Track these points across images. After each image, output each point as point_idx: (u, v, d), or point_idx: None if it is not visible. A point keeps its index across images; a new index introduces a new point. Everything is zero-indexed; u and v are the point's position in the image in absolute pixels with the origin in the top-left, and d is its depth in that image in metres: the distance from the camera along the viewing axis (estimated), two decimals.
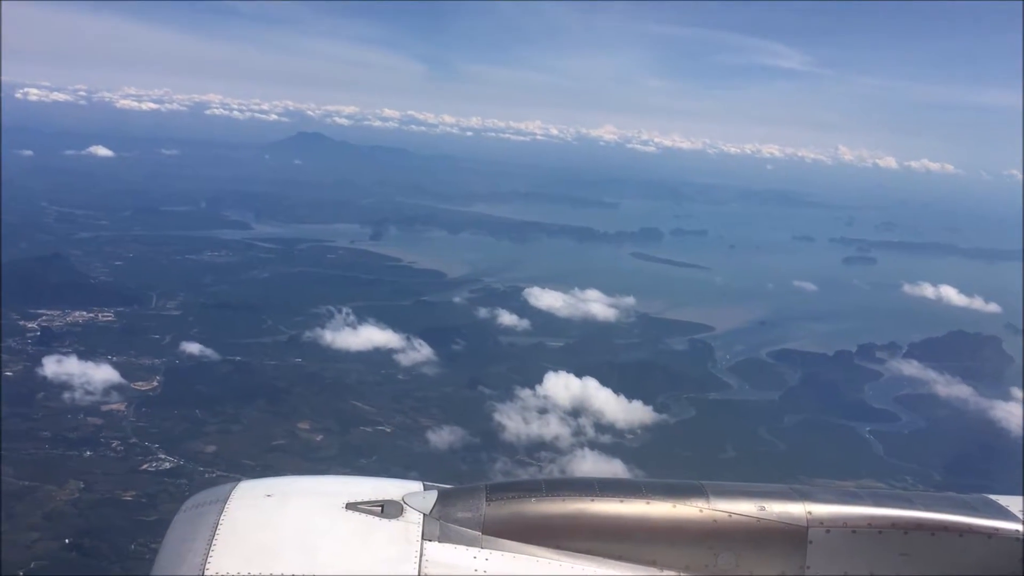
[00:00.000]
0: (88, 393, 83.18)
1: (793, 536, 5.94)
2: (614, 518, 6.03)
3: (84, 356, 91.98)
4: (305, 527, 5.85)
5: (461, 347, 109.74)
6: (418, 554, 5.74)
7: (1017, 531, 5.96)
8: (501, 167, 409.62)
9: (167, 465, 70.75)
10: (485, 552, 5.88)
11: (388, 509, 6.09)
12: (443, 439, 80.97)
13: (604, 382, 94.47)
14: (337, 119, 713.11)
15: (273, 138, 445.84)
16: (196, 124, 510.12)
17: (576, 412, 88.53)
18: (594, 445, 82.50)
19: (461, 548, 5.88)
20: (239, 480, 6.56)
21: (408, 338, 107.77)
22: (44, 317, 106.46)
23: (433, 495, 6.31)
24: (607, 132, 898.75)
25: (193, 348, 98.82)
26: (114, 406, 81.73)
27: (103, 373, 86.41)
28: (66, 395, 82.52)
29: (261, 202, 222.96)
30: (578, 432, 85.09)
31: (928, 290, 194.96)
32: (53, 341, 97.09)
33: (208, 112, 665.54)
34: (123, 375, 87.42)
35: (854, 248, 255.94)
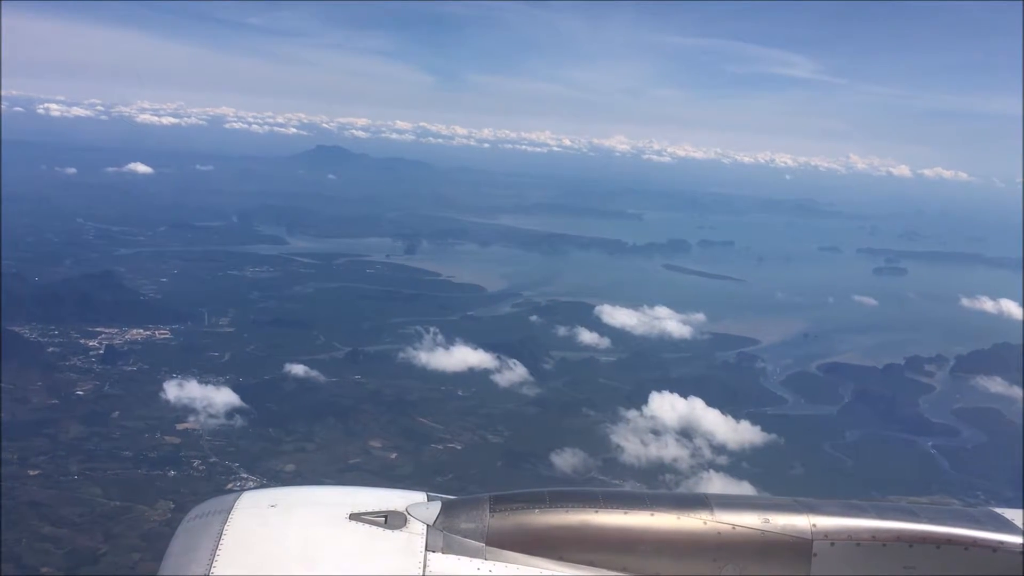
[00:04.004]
0: (161, 411, 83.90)
1: (798, 549, 5.94)
2: (618, 529, 6.01)
3: (149, 374, 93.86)
4: (308, 537, 5.85)
5: (521, 361, 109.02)
6: (421, 565, 5.72)
7: (1022, 544, 5.98)
8: (520, 178, 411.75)
9: (251, 484, 70.69)
10: (489, 563, 5.86)
11: (392, 520, 6.10)
12: (566, 461, 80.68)
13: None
14: (354, 131, 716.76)
15: (293, 151, 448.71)
16: (216, 138, 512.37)
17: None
18: (706, 465, 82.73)
19: (465, 559, 5.87)
20: (243, 490, 6.58)
21: (500, 357, 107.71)
22: (103, 335, 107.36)
23: (437, 506, 6.30)
24: (618, 142, 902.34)
25: (297, 369, 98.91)
26: (188, 424, 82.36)
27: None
28: (140, 413, 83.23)
29: (291, 216, 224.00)
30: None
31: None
32: (118, 359, 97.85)
33: (227, 126, 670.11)
34: (237, 395, 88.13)
35: (882, 259, 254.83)
